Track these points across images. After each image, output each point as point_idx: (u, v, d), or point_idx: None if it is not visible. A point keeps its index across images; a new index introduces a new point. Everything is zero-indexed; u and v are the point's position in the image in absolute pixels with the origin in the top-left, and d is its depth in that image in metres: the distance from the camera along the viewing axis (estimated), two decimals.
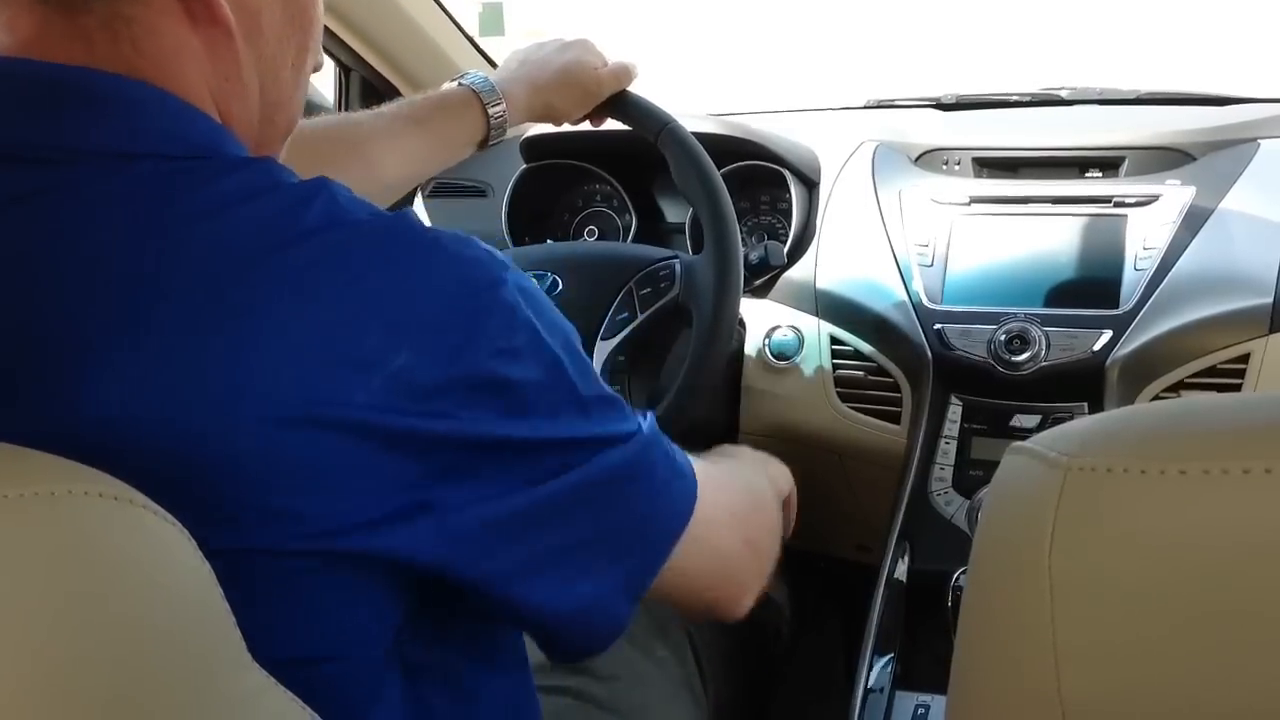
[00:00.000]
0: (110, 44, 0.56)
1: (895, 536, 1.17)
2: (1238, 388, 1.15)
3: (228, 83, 0.61)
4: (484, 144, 1.06)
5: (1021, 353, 1.16)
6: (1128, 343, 1.15)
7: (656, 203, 1.51)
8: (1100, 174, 1.33)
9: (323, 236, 0.54)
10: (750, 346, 1.34)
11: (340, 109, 1.57)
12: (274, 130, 0.66)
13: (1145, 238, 1.20)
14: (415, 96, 1.06)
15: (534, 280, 0.64)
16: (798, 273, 1.34)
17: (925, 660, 1.08)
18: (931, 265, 1.26)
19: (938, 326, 1.22)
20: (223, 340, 0.51)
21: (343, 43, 1.46)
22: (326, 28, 1.40)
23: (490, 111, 1.03)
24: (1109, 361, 1.15)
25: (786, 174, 1.36)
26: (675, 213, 1.50)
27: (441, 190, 1.54)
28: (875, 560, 1.18)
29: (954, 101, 1.55)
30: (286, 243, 0.53)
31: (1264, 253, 1.17)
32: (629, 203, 1.48)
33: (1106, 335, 1.16)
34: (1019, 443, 0.43)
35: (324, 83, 1.58)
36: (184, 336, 0.50)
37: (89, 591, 0.41)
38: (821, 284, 1.32)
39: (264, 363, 0.51)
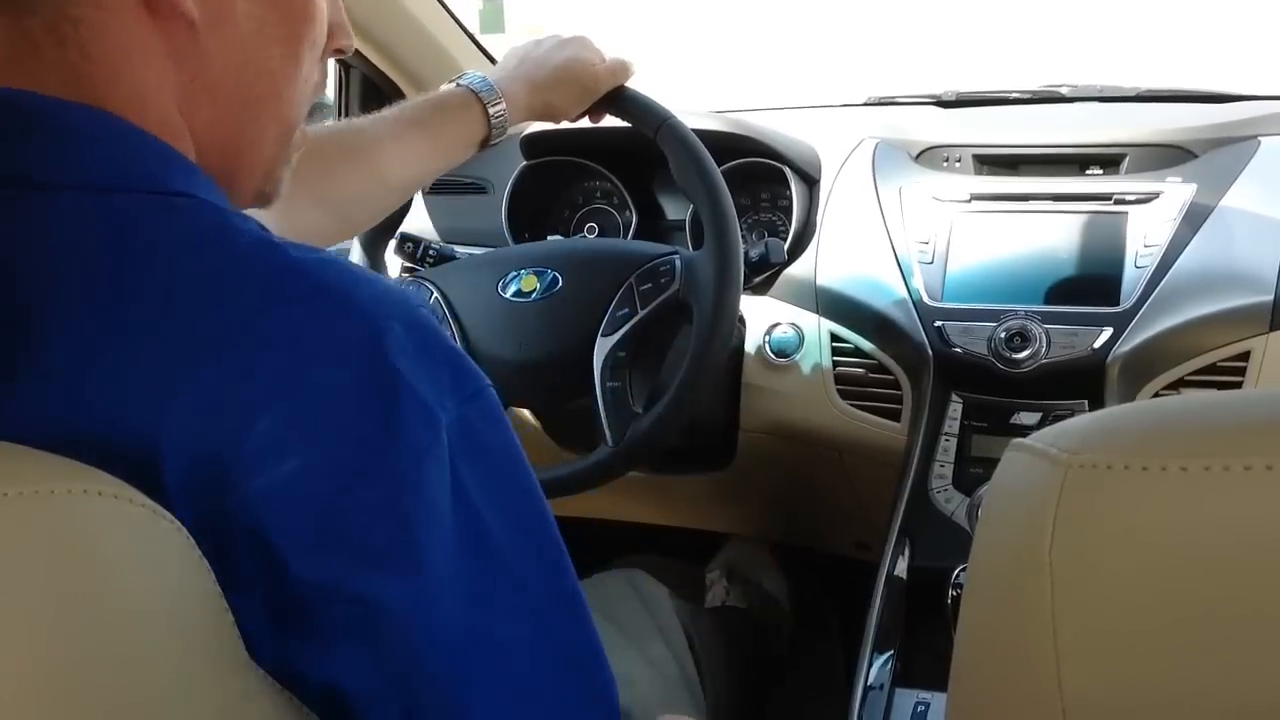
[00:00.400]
0: (57, 49, 0.51)
1: (895, 534, 1.16)
2: (1238, 385, 1.15)
3: (194, 83, 0.55)
4: (485, 143, 1.06)
5: (1022, 350, 1.16)
6: (1128, 340, 1.15)
7: (657, 199, 1.51)
8: (1101, 171, 1.33)
9: (251, 296, 0.48)
10: (750, 343, 1.34)
11: (340, 105, 1.57)
12: (261, 131, 0.60)
13: (1146, 235, 1.20)
14: (415, 100, 1.05)
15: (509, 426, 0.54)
16: (798, 270, 1.34)
17: (925, 658, 1.08)
18: (932, 262, 1.26)
19: (938, 324, 1.22)
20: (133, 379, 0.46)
21: None
22: None
23: (490, 111, 1.03)
24: (1109, 359, 1.15)
25: (787, 171, 1.36)
26: (675, 209, 1.50)
27: (441, 188, 1.54)
28: (875, 557, 1.18)
29: (955, 99, 1.54)
30: (210, 300, 0.48)
31: (1264, 250, 1.17)
32: (629, 199, 1.48)
33: (1107, 333, 1.15)
34: (1019, 440, 0.43)
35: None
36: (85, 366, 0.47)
37: (88, 590, 0.41)
38: (822, 281, 1.32)
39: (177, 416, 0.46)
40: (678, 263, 1.08)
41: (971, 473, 1.18)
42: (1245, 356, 1.14)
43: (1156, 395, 1.16)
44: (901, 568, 1.14)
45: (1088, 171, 1.33)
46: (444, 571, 0.49)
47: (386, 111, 1.03)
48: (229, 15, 0.56)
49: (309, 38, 0.61)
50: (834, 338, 1.30)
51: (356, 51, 1.48)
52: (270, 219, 0.86)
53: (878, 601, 1.11)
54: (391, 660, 0.49)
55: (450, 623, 0.49)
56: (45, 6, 0.51)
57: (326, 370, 0.48)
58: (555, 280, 1.12)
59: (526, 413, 1.40)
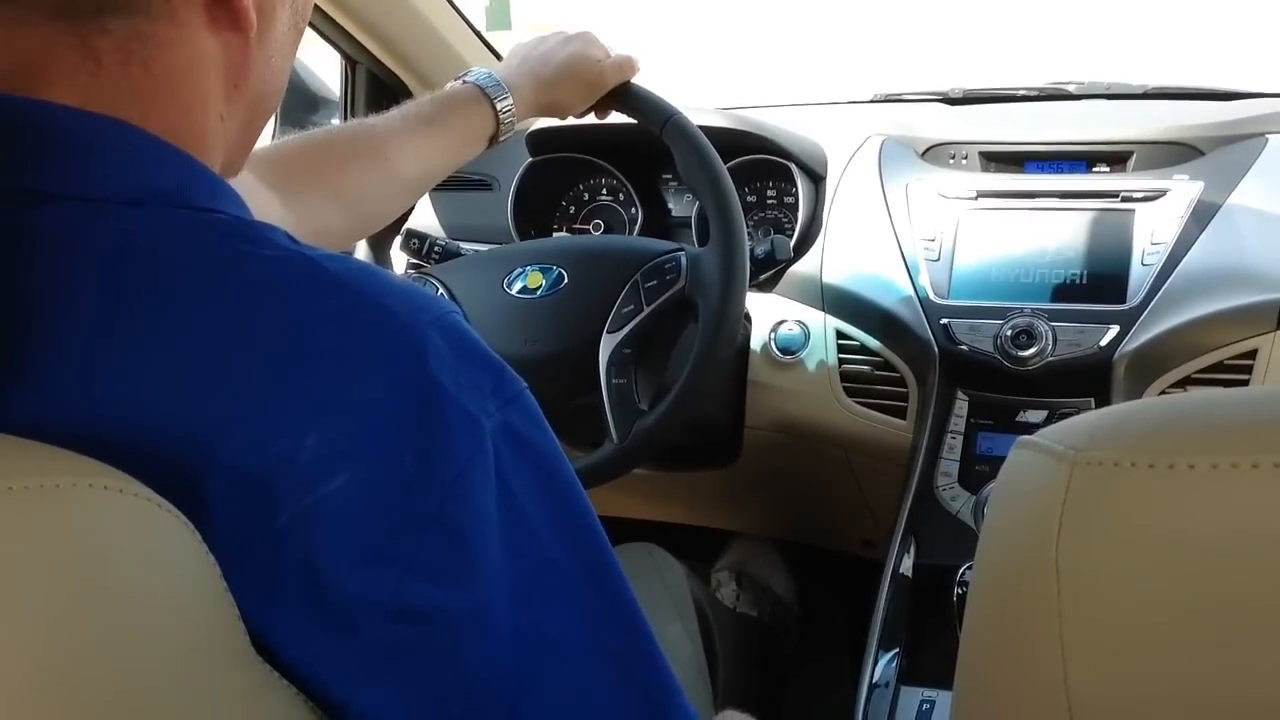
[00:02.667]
0: (119, 67, 0.51)
1: (901, 532, 1.16)
2: (1245, 383, 1.14)
3: (236, 89, 0.57)
4: (494, 140, 1.06)
5: (1028, 348, 1.16)
6: (1135, 338, 1.15)
7: (662, 196, 1.51)
8: (1108, 168, 1.32)
9: (292, 312, 0.48)
10: (756, 341, 1.34)
11: (346, 102, 1.57)
12: (263, 116, 0.62)
13: (1153, 232, 1.19)
14: (423, 98, 1.06)
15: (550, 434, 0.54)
16: (804, 267, 1.33)
17: (930, 655, 1.08)
18: (938, 260, 1.25)
19: (944, 321, 1.22)
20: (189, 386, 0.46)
21: (349, 36, 1.45)
22: (334, 21, 1.41)
23: (498, 107, 1.04)
24: (1116, 357, 1.15)
25: (793, 168, 1.36)
26: (681, 206, 1.50)
27: (447, 184, 1.53)
28: (880, 556, 1.18)
29: (961, 96, 1.54)
30: (251, 318, 0.48)
31: (1272, 248, 1.17)
32: (635, 196, 1.48)
33: (1113, 330, 1.15)
34: (1026, 437, 0.43)
35: (330, 76, 1.58)
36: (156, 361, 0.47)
37: (93, 584, 0.41)
38: (828, 278, 1.31)
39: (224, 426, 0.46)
40: (683, 259, 1.08)
41: (977, 470, 1.18)
42: (1252, 354, 1.14)
43: (1163, 393, 1.16)
44: (907, 566, 1.14)
45: (1095, 169, 1.33)
46: (493, 577, 0.49)
47: (396, 110, 1.03)
48: (274, 25, 0.58)
49: (303, 30, 0.64)
50: (840, 335, 1.30)
51: (363, 48, 1.48)
52: (287, 219, 0.87)
53: (883, 599, 1.11)
54: (439, 676, 0.49)
55: (499, 627, 0.49)
56: (120, 25, 0.51)
57: (371, 386, 0.48)
58: (561, 277, 1.12)
59: None
